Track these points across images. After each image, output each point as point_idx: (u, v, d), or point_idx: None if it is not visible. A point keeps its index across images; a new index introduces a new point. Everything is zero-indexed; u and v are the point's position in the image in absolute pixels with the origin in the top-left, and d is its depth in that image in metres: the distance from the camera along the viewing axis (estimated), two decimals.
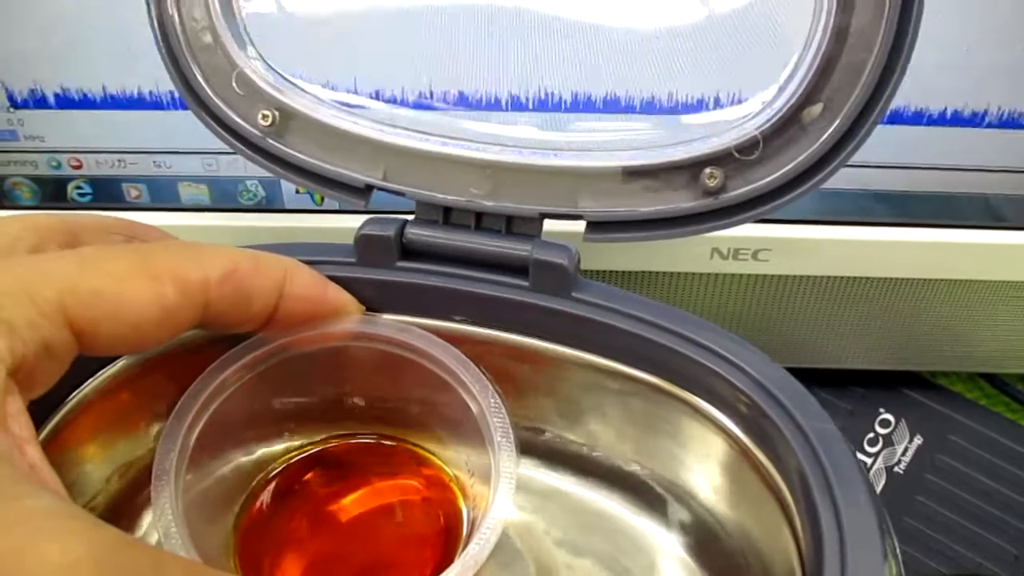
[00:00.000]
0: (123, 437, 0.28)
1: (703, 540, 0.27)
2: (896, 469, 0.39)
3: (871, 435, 0.41)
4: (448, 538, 0.27)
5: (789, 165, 0.25)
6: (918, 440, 0.40)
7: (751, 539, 0.25)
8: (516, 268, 0.27)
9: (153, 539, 0.27)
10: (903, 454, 0.40)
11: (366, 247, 0.28)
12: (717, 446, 0.26)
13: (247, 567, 0.26)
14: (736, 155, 0.25)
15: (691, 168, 0.26)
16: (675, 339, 0.25)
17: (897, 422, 0.41)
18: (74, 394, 0.26)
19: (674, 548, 0.28)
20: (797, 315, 0.39)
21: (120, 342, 0.22)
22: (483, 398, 0.25)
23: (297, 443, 0.29)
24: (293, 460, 0.29)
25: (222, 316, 0.23)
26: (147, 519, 0.28)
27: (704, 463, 0.27)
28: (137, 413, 0.28)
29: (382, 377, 0.28)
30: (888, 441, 0.40)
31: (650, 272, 0.38)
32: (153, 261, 0.22)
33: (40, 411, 0.24)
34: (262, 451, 0.29)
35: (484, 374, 0.25)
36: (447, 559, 0.26)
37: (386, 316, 0.27)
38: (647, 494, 0.29)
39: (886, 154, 0.35)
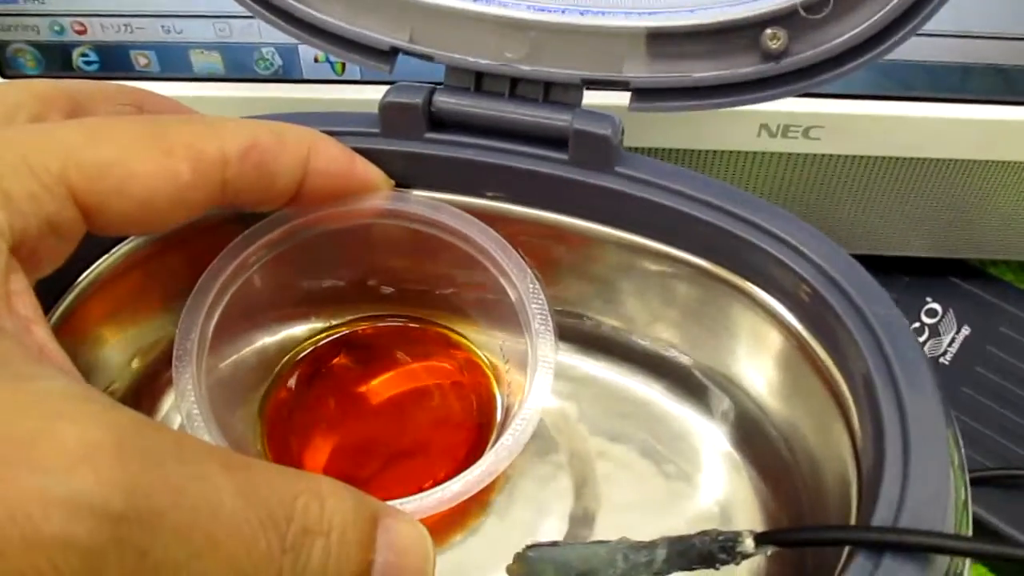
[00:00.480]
0: (141, 318, 0.27)
1: (747, 432, 0.26)
2: (942, 360, 0.38)
3: (916, 325, 0.39)
4: (481, 424, 0.26)
5: (861, 25, 0.23)
6: (966, 330, 0.39)
7: (800, 433, 0.24)
8: (554, 140, 0.25)
9: (176, 423, 0.26)
10: (949, 345, 0.38)
11: (392, 116, 0.25)
12: (770, 336, 0.24)
13: (275, 450, 0.25)
14: (802, 13, 0.23)
15: (751, 28, 0.23)
16: (729, 219, 0.23)
17: (944, 312, 0.39)
18: (86, 274, 0.25)
19: (716, 439, 0.27)
20: (846, 198, 0.37)
21: (130, 221, 0.20)
22: (520, 282, 0.23)
23: (323, 325, 0.28)
24: (320, 342, 0.28)
25: (242, 194, 0.22)
26: (168, 402, 0.28)
27: (753, 353, 0.25)
28: (154, 293, 0.27)
29: (413, 257, 0.26)
30: (934, 331, 0.39)
31: (690, 150, 0.35)
32: (166, 134, 0.20)
33: (50, 292, 0.23)
34: (287, 333, 0.28)
35: (521, 256, 0.24)
36: (480, 445, 0.25)
37: (415, 192, 0.26)
38: (689, 383, 0.27)
39: (948, 21, 0.32)
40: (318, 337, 0.28)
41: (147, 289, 0.26)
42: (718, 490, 0.26)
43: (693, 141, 0.35)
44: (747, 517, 0.25)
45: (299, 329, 0.28)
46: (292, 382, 0.27)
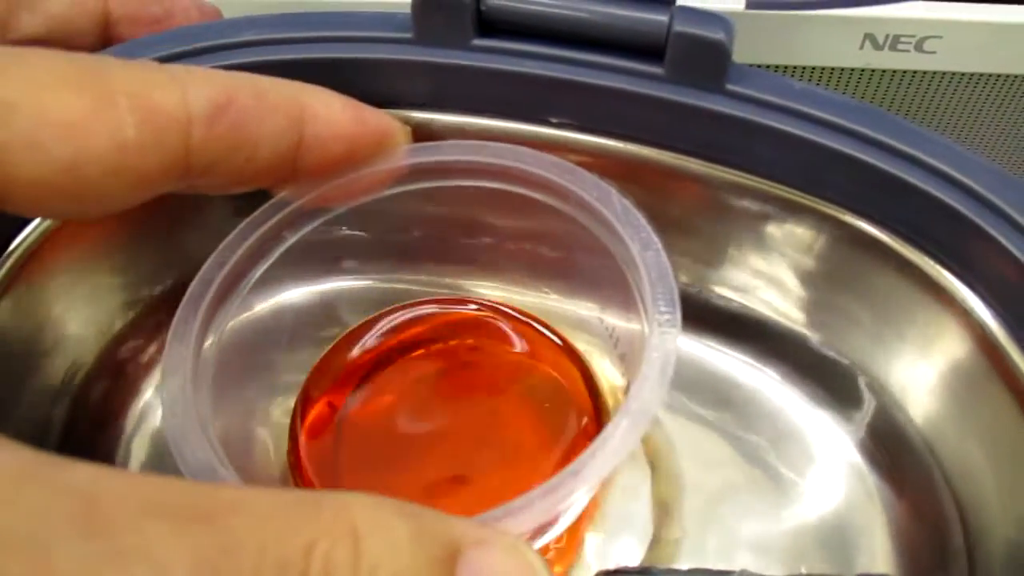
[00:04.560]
0: (104, 282, 0.21)
1: (884, 443, 0.21)
2: None
3: None
4: (585, 426, 0.20)
5: None
6: None
7: (967, 467, 0.19)
8: (645, 47, 0.19)
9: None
10: None
11: (429, 16, 0.20)
12: (944, 327, 0.19)
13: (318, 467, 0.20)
14: None
15: None
16: (899, 163, 0.17)
17: None
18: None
19: (841, 445, 0.21)
20: (970, 129, 0.32)
21: (48, 193, 0.14)
22: (626, 227, 0.17)
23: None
24: (374, 329, 0.22)
25: (215, 168, 0.16)
26: (152, 382, 0.23)
27: (914, 347, 0.20)
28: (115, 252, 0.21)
29: (466, 219, 0.21)
30: None
31: (774, 67, 0.30)
32: (104, 75, 0.15)
33: None
34: (320, 298, 0.22)
35: (623, 196, 0.17)
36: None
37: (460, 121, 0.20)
38: (815, 371, 0.22)
39: None
40: (369, 321, 0.22)
41: (106, 250, 0.21)
42: (835, 509, 0.21)
43: (780, 56, 0.30)
44: (871, 545, 0.20)
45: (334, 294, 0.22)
46: (336, 366, 0.22)
